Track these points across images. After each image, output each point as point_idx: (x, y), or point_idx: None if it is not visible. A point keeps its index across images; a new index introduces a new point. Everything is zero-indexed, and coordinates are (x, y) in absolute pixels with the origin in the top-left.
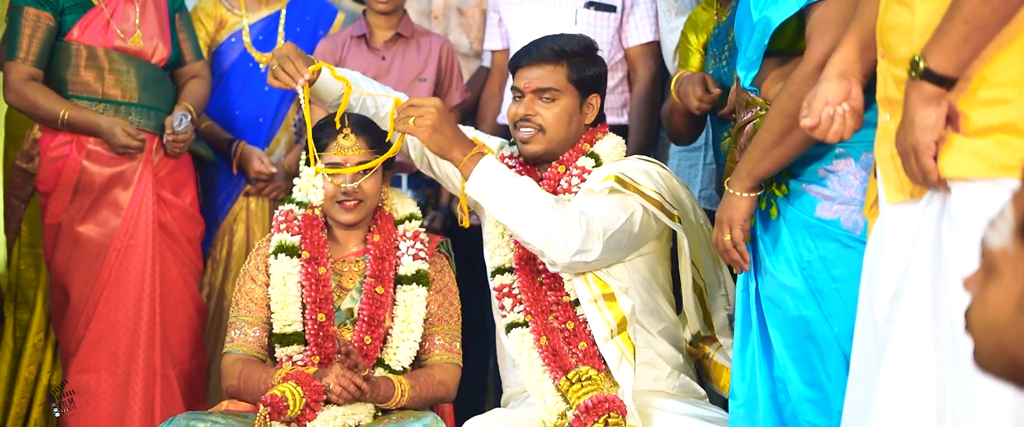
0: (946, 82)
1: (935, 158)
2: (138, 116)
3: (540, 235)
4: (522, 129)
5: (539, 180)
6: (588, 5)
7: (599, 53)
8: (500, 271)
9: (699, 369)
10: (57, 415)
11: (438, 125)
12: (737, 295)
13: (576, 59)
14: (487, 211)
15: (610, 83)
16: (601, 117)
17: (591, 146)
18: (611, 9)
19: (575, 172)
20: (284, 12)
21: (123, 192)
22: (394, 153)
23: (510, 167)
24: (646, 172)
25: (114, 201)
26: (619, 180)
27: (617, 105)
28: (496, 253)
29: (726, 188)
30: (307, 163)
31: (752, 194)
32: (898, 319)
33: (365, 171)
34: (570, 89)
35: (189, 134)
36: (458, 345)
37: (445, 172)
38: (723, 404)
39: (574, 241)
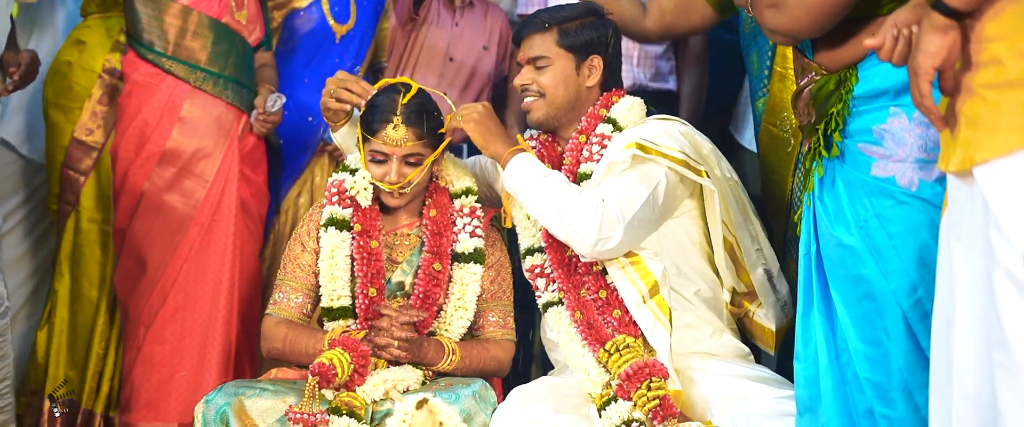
0: (955, 14)
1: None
2: (234, 92)
3: (564, 228)
4: (525, 98)
5: (561, 153)
6: None
7: (608, 15)
8: (531, 252)
9: (741, 327)
10: (57, 416)
11: (482, 119)
12: (800, 259)
13: (566, 25)
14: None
15: (657, 49)
16: (616, 82)
17: (608, 111)
18: None
19: (595, 140)
20: None
21: (208, 164)
22: (439, 152)
23: (533, 146)
24: (666, 132)
25: (200, 173)
26: (640, 146)
27: (664, 71)
28: (525, 234)
29: None
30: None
31: None
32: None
33: (412, 180)
34: (562, 53)
35: (279, 116)
36: (512, 321)
37: (496, 191)
38: (769, 361)
39: (591, 231)
